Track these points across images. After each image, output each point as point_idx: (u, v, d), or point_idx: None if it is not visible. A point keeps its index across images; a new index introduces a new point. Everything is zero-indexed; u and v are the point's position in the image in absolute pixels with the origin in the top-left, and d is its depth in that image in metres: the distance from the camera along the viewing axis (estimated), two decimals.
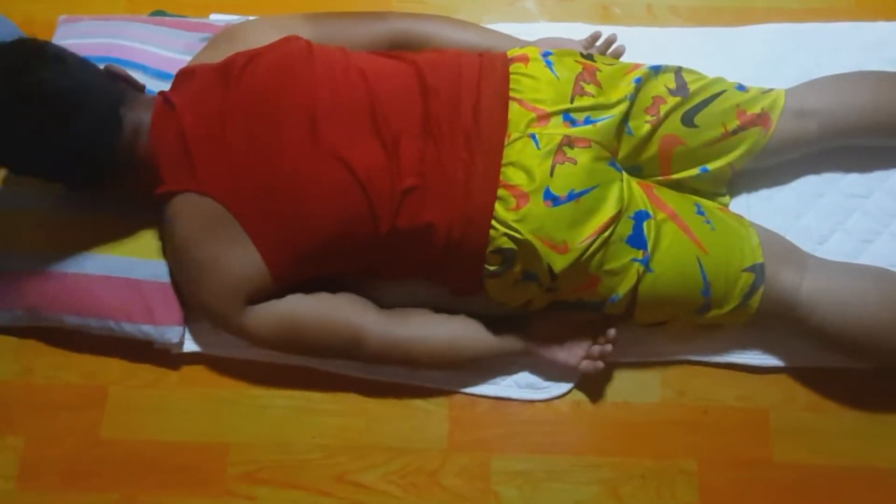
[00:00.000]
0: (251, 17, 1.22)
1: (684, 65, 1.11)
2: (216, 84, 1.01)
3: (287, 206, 0.98)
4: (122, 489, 1.10)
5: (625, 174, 1.03)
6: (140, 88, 1.06)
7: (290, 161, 0.98)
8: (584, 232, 0.97)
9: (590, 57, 1.08)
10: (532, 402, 1.13)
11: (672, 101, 1.05)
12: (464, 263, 1.01)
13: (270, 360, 1.14)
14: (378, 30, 1.14)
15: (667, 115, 1.05)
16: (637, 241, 0.99)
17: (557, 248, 0.96)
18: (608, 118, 1.01)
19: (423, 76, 1.01)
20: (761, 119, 1.08)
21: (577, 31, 1.25)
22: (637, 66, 1.08)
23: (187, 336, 1.15)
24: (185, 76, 1.05)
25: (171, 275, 1.11)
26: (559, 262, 0.97)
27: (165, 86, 1.07)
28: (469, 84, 1.01)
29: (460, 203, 0.97)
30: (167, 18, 1.33)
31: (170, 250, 1.07)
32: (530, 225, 0.96)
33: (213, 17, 1.37)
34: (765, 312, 1.04)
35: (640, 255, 0.99)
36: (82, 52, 1.02)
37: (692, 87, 1.07)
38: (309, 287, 1.05)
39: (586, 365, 1.07)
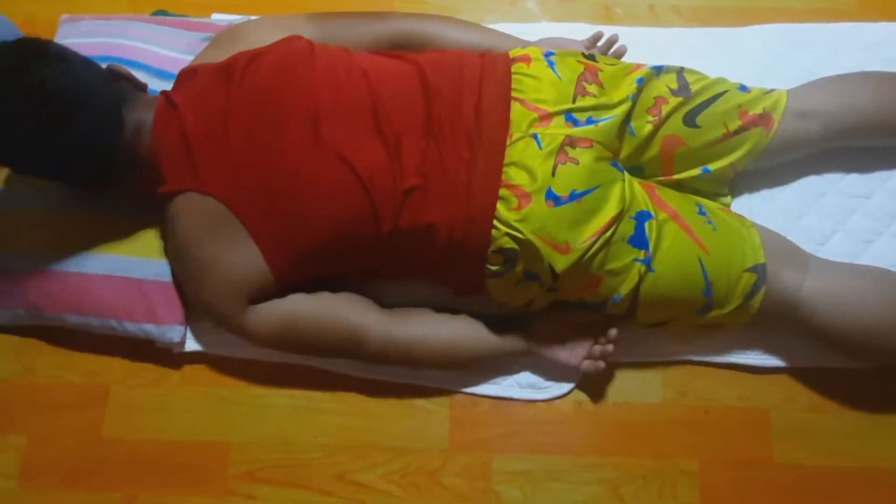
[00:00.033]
0: (253, 17, 1.22)
1: (686, 65, 1.11)
2: (218, 84, 1.01)
3: (289, 205, 0.98)
4: (123, 488, 1.10)
5: (626, 174, 1.03)
6: (142, 88, 1.07)
7: (292, 161, 0.98)
8: (586, 232, 0.97)
9: (592, 57, 1.08)
10: (533, 401, 1.13)
11: (674, 101, 1.06)
12: (465, 263, 1.01)
13: (272, 359, 1.14)
14: (380, 30, 1.14)
15: (668, 115, 1.05)
16: (639, 241, 0.99)
17: (559, 247, 0.96)
18: (610, 118, 1.01)
19: (425, 76, 1.01)
20: (763, 119, 1.08)
21: (579, 32, 1.25)
22: (639, 66, 1.08)
23: (189, 335, 1.15)
24: (187, 76, 1.05)
25: (173, 274, 1.11)
26: (561, 262, 0.97)
27: (167, 85, 1.07)
28: (471, 84, 1.01)
29: (462, 203, 0.97)
30: (169, 18, 1.33)
31: (171, 249, 1.07)
32: (532, 225, 0.96)
33: (215, 16, 1.37)
34: (766, 312, 1.04)
35: (641, 255, 0.99)
36: (84, 52, 1.02)
37: (694, 88, 1.07)
38: (310, 287, 1.06)
39: (587, 365, 1.07)
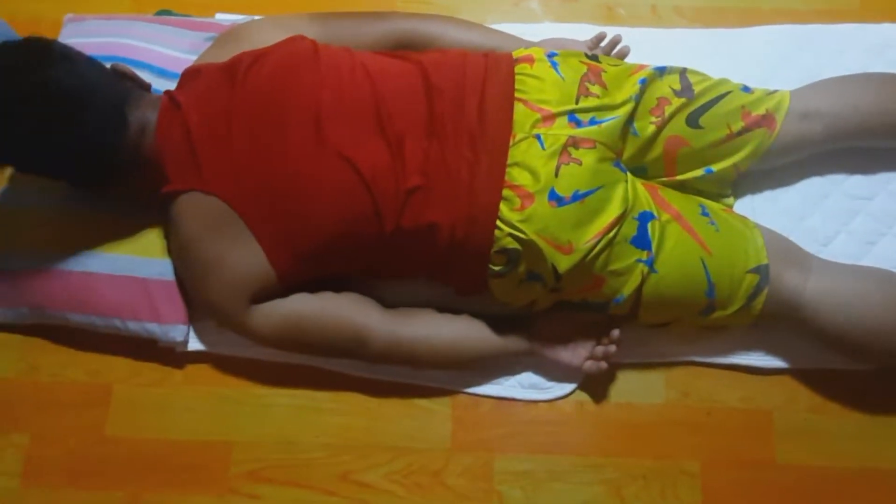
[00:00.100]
0: (256, 17, 1.23)
1: (689, 66, 1.11)
2: (222, 83, 1.01)
3: (292, 205, 0.99)
4: (126, 487, 1.10)
5: (629, 175, 1.03)
6: (146, 87, 1.07)
7: (295, 161, 0.98)
8: (589, 232, 0.97)
9: (595, 58, 1.08)
10: (535, 402, 1.13)
11: (677, 102, 1.06)
12: (468, 263, 1.02)
13: (274, 359, 1.14)
14: (383, 30, 1.14)
15: (671, 116, 1.05)
16: (641, 241, 0.99)
17: (562, 248, 0.96)
18: (613, 119, 1.01)
19: (427, 76, 1.01)
20: (766, 120, 1.08)
21: (582, 32, 1.25)
22: (642, 66, 1.08)
23: (192, 335, 1.15)
24: (190, 75, 1.05)
25: (176, 273, 1.11)
26: (564, 263, 0.97)
27: (171, 85, 1.08)
28: (474, 84, 1.01)
29: (464, 203, 0.97)
30: (172, 18, 1.33)
31: (175, 249, 1.07)
32: (535, 225, 0.96)
33: (219, 16, 1.37)
34: (769, 314, 1.04)
35: (644, 255, 0.99)
36: (88, 51, 1.02)
37: (697, 89, 1.07)
38: (313, 287, 1.06)
39: (590, 365, 1.07)
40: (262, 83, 1.00)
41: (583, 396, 1.14)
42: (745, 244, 1.03)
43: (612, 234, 0.97)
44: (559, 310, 1.09)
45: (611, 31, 1.24)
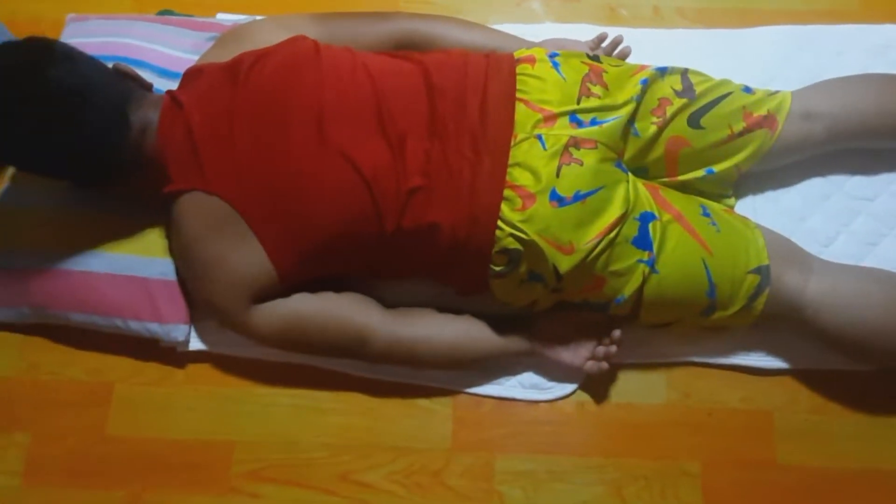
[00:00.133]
0: (258, 17, 1.23)
1: (690, 66, 1.11)
2: (224, 83, 1.01)
3: (293, 205, 0.99)
4: (127, 486, 1.10)
5: (631, 175, 1.03)
6: (148, 87, 1.07)
7: (297, 160, 0.98)
8: (590, 233, 0.97)
9: (596, 58, 1.08)
10: (536, 402, 1.14)
11: (678, 102, 1.06)
12: (469, 263, 1.02)
13: (275, 359, 1.14)
14: (384, 30, 1.14)
15: (673, 116, 1.05)
16: (642, 242, 0.99)
17: (563, 248, 0.96)
18: (614, 119, 1.01)
19: (429, 76, 1.01)
20: (767, 121, 1.08)
21: (584, 33, 1.26)
22: (643, 67, 1.08)
23: (193, 334, 1.15)
24: (192, 75, 1.05)
25: (178, 273, 1.12)
26: (565, 263, 0.97)
27: (173, 85, 1.08)
28: (475, 84, 1.01)
29: (466, 203, 0.98)
30: (174, 17, 1.33)
31: (177, 248, 1.07)
32: (536, 225, 0.96)
33: (220, 16, 1.37)
34: (770, 314, 1.04)
35: (645, 256, 0.99)
36: (90, 51, 1.02)
37: (698, 89, 1.07)
38: (314, 287, 1.06)
39: (591, 366, 1.07)
40: (263, 83, 1.00)
41: (584, 397, 1.14)
42: (746, 245, 1.03)
43: (613, 235, 0.97)
44: (560, 310, 1.09)
45: (612, 32, 1.24)
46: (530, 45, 1.15)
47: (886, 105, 1.12)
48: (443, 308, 1.10)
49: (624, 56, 1.19)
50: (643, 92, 1.04)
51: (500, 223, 0.97)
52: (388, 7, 1.38)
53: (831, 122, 1.11)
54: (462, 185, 0.98)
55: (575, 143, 0.98)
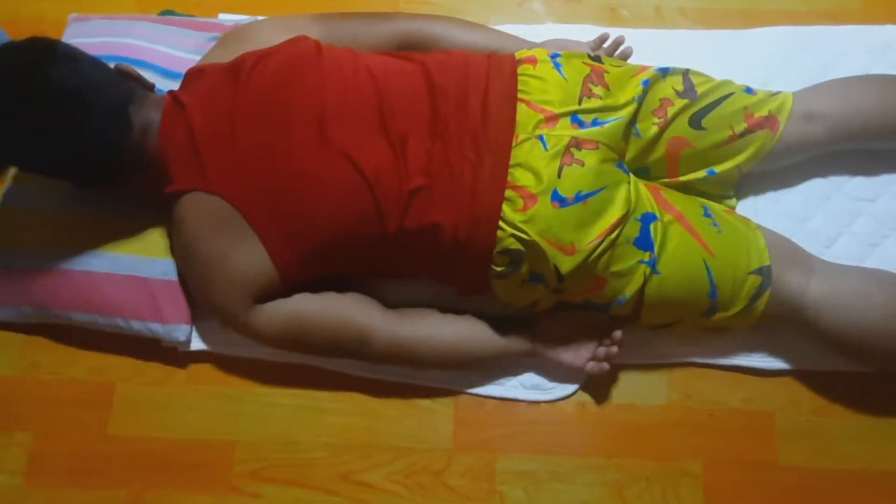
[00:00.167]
0: (260, 17, 1.23)
1: (692, 67, 1.11)
2: (225, 83, 1.01)
3: (295, 205, 0.99)
4: (128, 486, 1.11)
5: (632, 176, 1.03)
6: (149, 87, 1.07)
7: (299, 161, 0.98)
8: (592, 233, 0.97)
9: (597, 59, 1.08)
10: (537, 402, 1.14)
11: (680, 103, 1.06)
12: (470, 264, 1.02)
13: (276, 359, 1.14)
14: (386, 30, 1.14)
15: (674, 117, 1.05)
16: (644, 242, 0.99)
17: (564, 249, 0.97)
18: (616, 120, 1.01)
19: (430, 76, 1.02)
20: (769, 122, 1.08)
21: (585, 33, 1.26)
22: (644, 68, 1.08)
23: (194, 334, 1.16)
24: (194, 75, 1.05)
25: (179, 273, 1.12)
26: (566, 264, 0.97)
27: (174, 85, 1.08)
28: (477, 84, 1.01)
29: (467, 203, 0.98)
30: (176, 18, 1.33)
31: (178, 248, 1.07)
32: (537, 226, 0.96)
33: (222, 16, 1.37)
34: (771, 315, 1.04)
35: (646, 256, 0.99)
36: (92, 51, 1.02)
37: (700, 90, 1.07)
38: (315, 287, 1.06)
39: (592, 366, 1.07)
40: (265, 83, 1.00)
41: (585, 397, 1.14)
42: (747, 245, 1.03)
43: (614, 235, 0.97)
44: (561, 310, 1.09)
45: (614, 32, 1.24)
46: (532, 45, 1.15)
47: (887, 106, 1.12)
48: (444, 308, 1.10)
49: (625, 57, 1.20)
50: (644, 92, 1.04)
51: (501, 223, 0.97)
52: (390, 7, 1.38)
53: (832, 122, 1.10)
54: (463, 185, 0.98)
55: (576, 143, 0.98)
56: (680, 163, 1.08)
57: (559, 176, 0.96)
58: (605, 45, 1.22)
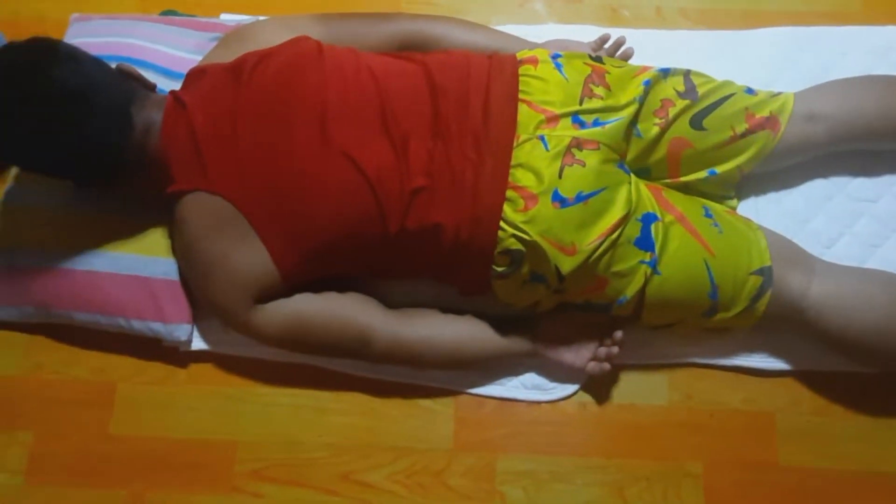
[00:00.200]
0: (261, 17, 1.23)
1: (693, 67, 1.11)
2: (227, 84, 1.01)
3: (296, 205, 0.99)
4: (129, 485, 1.11)
5: (633, 176, 1.04)
6: (151, 88, 1.07)
7: (300, 161, 0.98)
8: (593, 234, 0.97)
9: (599, 59, 1.08)
10: (538, 402, 1.14)
11: (681, 103, 1.06)
12: (472, 264, 1.02)
13: (278, 358, 1.14)
14: (388, 31, 1.14)
15: (675, 117, 1.05)
16: (645, 243, 0.99)
17: (565, 249, 0.97)
18: (617, 120, 1.02)
19: (431, 76, 1.02)
20: (770, 122, 1.08)
21: (586, 34, 1.26)
22: (646, 68, 1.08)
23: (196, 334, 1.16)
24: (195, 75, 1.05)
25: (181, 273, 1.12)
26: (567, 264, 0.97)
27: (176, 85, 1.08)
28: (478, 85, 1.01)
29: (468, 204, 0.98)
30: (178, 18, 1.33)
31: (180, 248, 1.07)
32: (538, 226, 0.96)
33: (224, 16, 1.37)
34: (772, 315, 1.04)
35: (647, 257, 0.99)
36: (93, 51, 1.02)
37: (701, 90, 1.07)
38: (317, 287, 1.06)
39: (593, 367, 1.07)
40: (267, 83, 1.00)
41: (585, 397, 1.14)
42: (748, 246, 1.03)
43: (615, 236, 0.97)
44: (562, 311, 1.09)
45: (615, 33, 1.24)
46: (533, 45, 1.15)
47: (889, 107, 1.12)
48: (445, 308, 1.11)
49: (626, 57, 1.20)
50: (646, 93, 1.04)
51: (502, 224, 0.97)
52: (391, 7, 1.38)
53: (834, 123, 1.10)
54: (465, 185, 0.98)
55: (577, 143, 0.98)
56: (681, 163, 1.08)
57: (560, 176, 0.96)
58: (607, 45, 1.22)
